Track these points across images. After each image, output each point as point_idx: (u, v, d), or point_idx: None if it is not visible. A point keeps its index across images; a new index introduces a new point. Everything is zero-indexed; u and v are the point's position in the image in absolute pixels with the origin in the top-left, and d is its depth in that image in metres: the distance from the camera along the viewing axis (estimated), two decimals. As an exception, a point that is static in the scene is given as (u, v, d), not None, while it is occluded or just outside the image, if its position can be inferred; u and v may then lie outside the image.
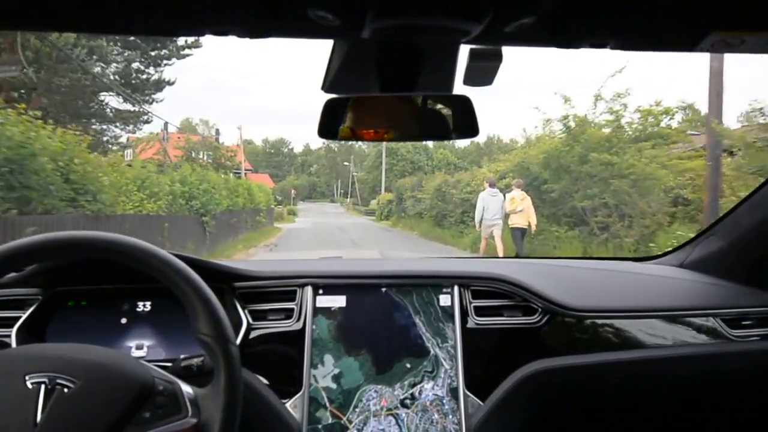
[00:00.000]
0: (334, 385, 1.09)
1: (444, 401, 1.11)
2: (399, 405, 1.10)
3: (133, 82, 16.94)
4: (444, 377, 1.12)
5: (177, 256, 0.88)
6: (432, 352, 1.13)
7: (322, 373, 1.09)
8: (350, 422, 1.08)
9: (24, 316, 1.04)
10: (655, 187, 8.63)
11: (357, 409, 1.09)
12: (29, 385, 0.71)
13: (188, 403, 0.78)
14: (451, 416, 1.10)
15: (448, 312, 1.16)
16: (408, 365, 1.12)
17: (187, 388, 0.80)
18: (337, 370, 1.10)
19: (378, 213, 29.30)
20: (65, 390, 0.71)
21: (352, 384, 1.10)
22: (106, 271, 1.06)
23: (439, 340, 1.14)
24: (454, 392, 1.11)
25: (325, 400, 1.08)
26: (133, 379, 0.75)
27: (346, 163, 61.90)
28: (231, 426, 0.77)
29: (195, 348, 1.02)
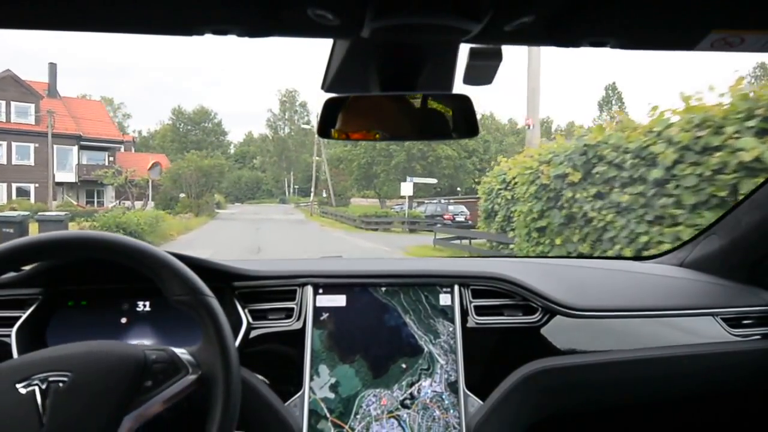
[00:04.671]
0: (332, 395, 1.09)
1: (443, 397, 1.11)
2: (399, 406, 1.10)
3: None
4: (441, 373, 1.12)
5: (176, 255, 0.88)
6: (426, 349, 1.13)
7: (319, 384, 1.09)
8: (353, 429, 1.07)
9: (24, 316, 1.04)
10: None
11: (358, 416, 1.08)
12: (22, 392, 0.71)
13: (186, 362, 0.79)
14: (452, 411, 1.10)
15: (439, 309, 1.16)
16: (404, 365, 1.12)
17: (180, 350, 0.81)
18: (333, 379, 1.10)
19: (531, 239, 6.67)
20: (60, 385, 0.71)
21: (350, 391, 1.09)
22: (105, 271, 1.06)
23: (432, 337, 1.14)
24: (452, 387, 1.11)
25: (325, 410, 1.08)
26: (125, 357, 0.76)
27: (308, 125, 44.49)
28: (232, 370, 0.79)
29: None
